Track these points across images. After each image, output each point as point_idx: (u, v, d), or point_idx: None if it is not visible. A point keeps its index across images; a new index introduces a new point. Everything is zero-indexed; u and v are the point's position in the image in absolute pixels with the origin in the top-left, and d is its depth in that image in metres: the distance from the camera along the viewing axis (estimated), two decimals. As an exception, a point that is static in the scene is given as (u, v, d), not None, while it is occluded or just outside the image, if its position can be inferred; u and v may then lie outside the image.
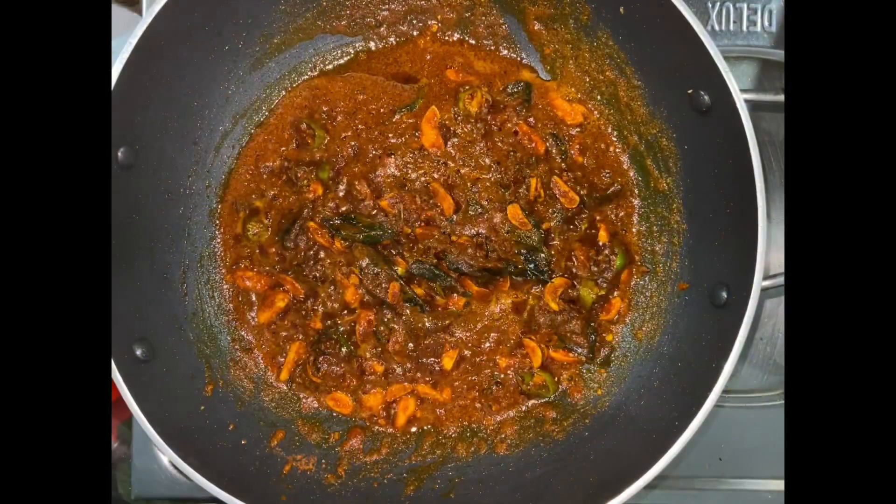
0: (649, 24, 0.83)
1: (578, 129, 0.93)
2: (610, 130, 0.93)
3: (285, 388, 0.92)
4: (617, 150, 0.93)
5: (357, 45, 0.95)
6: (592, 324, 0.93)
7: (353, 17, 0.93)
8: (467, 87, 0.93)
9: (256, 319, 0.93)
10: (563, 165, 0.93)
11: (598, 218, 0.93)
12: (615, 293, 0.92)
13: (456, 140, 0.92)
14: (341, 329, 0.92)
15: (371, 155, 0.92)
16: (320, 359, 0.92)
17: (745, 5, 0.99)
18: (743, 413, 0.97)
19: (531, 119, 0.93)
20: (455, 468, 0.90)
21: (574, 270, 0.92)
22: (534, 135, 0.92)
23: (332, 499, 0.86)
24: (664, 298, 0.90)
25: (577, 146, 0.93)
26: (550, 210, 0.92)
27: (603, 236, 0.92)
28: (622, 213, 0.93)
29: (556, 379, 0.92)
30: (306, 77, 0.94)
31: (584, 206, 0.92)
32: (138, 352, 0.81)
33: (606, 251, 0.92)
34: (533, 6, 0.90)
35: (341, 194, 0.92)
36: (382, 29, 0.94)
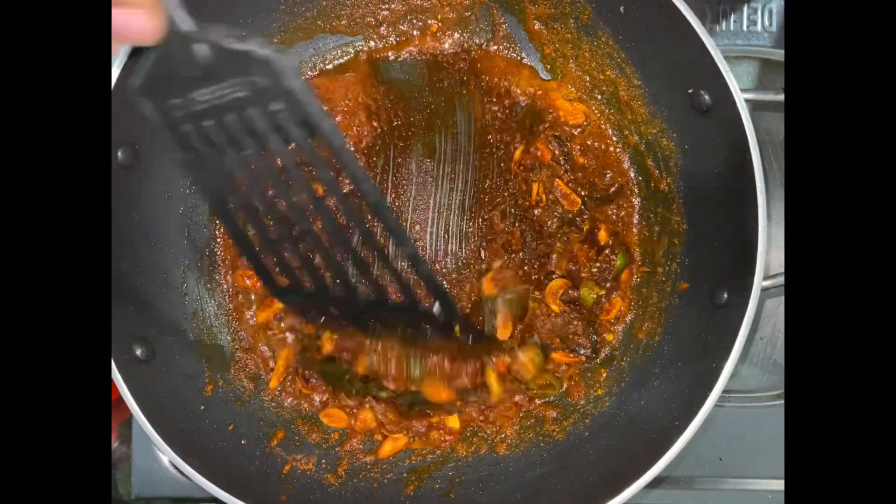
0: (649, 23, 0.83)
1: (580, 130, 0.93)
2: (610, 130, 0.93)
3: (277, 394, 0.92)
4: (617, 150, 0.93)
5: (357, 45, 0.95)
6: (594, 324, 0.92)
7: (352, 16, 0.93)
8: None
9: (255, 319, 0.93)
10: (566, 167, 0.92)
11: (599, 218, 0.93)
12: (615, 293, 0.92)
13: None
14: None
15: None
16: (307, 372, 0.91)
17: (745, 5, 0.99)
18: (743, 413, 0.97)
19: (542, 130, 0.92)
20: (455, 468, 0.90)
21: (575, 271, 0.92)
22: (539, 142, 0.92)
23: (332, 499, 0.86)
24: (664, 298, 0.90)
25: (579, 147, 0.92)
26: (551, 213, 0.92)
27: (604, 236, 0.92)
28: (622, 213, 0.93)
29: (558, 377, 0.92)
30: (306, 77, 0.94)
31: (584, 207, 0.92)
32: (138, 352, 0.81)
33: (607, 251, 0.92)
34: (533, 6, 0.90)
35: None
36: (382, 28, 0.94)
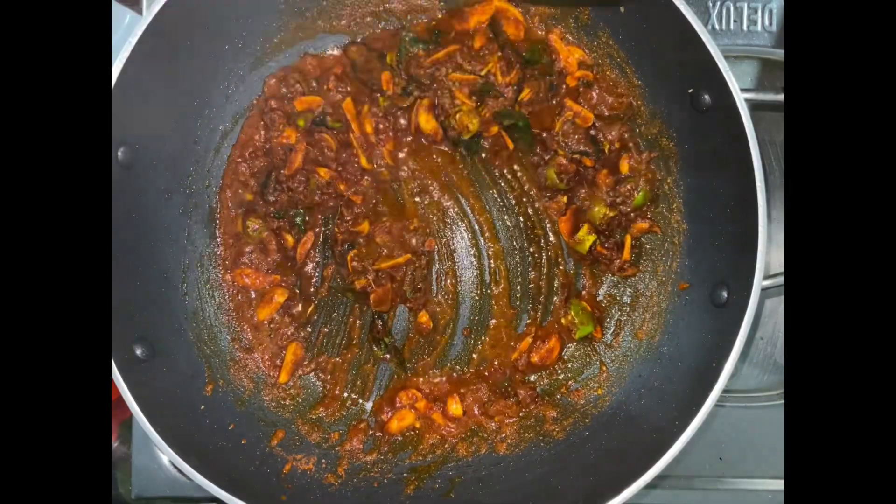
0: (650, 23, 0.83)
1: (582, 67, 0.91)
2: (614, 73, 0.92)
3: (285, 385, 0.92)
4: (619, 76, 0.91)
5: (357, 45, 0.94)
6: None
7: (353, 16, 0.93)
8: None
9: (256, 316, 0.93)
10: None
11: (623, 155, 0.92)
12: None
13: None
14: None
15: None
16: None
17: (745, 5, 0.99)
18: (743, 413, 0.97)
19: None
20: (455, 468, 0.90)
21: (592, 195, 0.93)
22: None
23: (332, 499, 0.86)
24: (664, 298, 0.90)
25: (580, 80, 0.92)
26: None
27: (624, 167, 0.91)
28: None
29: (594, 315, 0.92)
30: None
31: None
32: (138, 352, 0.81)
33: (629, 185, 0.91)
34: (533, 6, 0.90)
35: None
36: (382, 26, 0.94)
